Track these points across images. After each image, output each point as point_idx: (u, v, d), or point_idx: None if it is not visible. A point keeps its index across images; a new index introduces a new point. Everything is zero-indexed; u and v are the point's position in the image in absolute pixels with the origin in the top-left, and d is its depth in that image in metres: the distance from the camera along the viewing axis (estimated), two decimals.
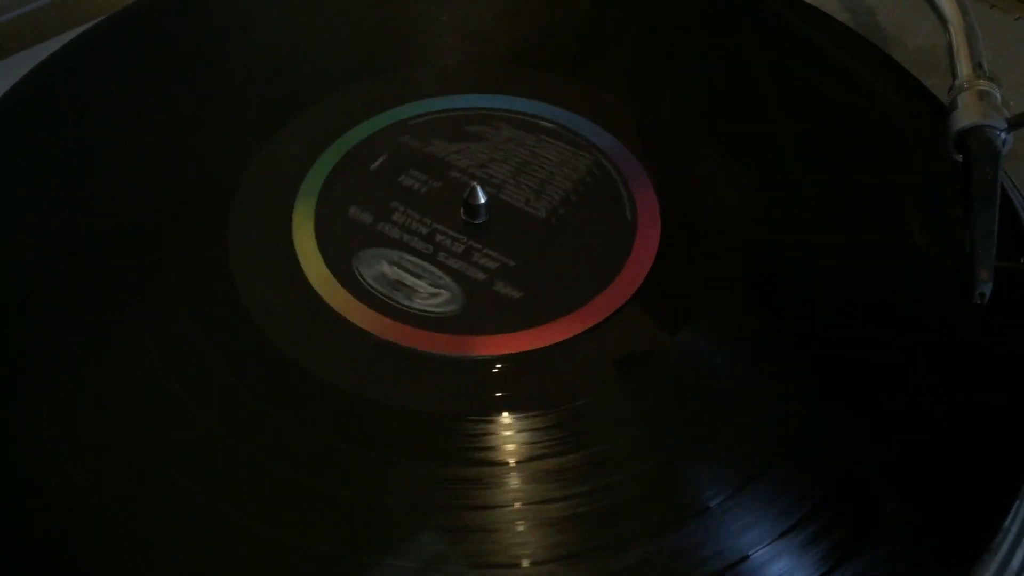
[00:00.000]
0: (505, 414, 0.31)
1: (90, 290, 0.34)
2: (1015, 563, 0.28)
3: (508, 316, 0.33)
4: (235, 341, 0.32)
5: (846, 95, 0.41)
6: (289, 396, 0.31)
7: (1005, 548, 0.28)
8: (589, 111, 0.40)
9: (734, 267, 0.35)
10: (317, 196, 0.37)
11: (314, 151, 0.38)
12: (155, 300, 0.33)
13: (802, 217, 0.37)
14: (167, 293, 0.34)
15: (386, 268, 0.34)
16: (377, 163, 0.38)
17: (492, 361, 0.32)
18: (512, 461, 0.30)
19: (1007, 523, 0.28)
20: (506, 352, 0.32)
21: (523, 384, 0.32)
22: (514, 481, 0.29)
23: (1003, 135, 0.36)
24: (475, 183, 0.36)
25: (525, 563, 0.28)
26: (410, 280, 0.34)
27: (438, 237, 0.36)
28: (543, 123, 0.39)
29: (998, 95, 0.37)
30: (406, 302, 0.33)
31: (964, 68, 0.38)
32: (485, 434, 0.30)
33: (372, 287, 0.34)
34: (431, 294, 0.33)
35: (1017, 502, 0.29)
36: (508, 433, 0.30)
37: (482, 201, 0.36)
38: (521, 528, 0.28)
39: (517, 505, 0.29)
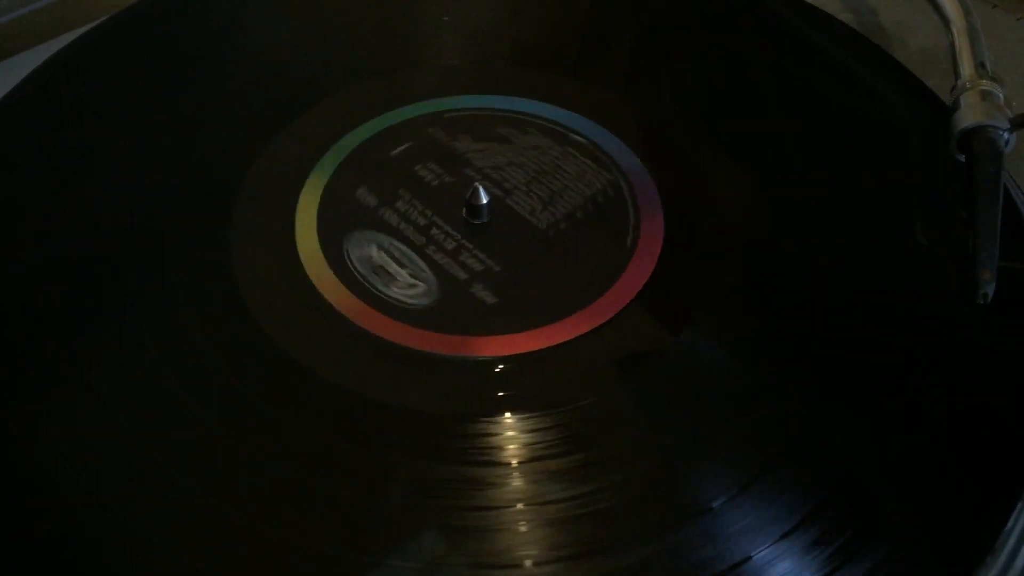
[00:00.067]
0: (507, 414, 0.31)
1: (91, 290, 0.34)
2: (1018, 564, 0.28)
3: (486, 318, 0.33)
4: (236, 341, 0.32)
5: (849, 96, 0.41)
6: (290, 396, 0.31)
7: (1008, 549, 0.28)
8: (621, 130, 0.39)
9: (736, 268, 0.35)
10: (330, 174, 0.37)
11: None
12: (156, 300, 0.33)
13: (804, 217, 0.37)
14: (168, 293, 0.34)
15: (374, 252, 0.34)
16: (399, 149, 0.38)
17: (494, 362, 0.32)
18: (514, 462, 0.30)
19: (1010, 524, 0.28)
20: (508, 353, 0.32)
21: (525, 385, 0.32)
22: (516, 482, 0.29)
23: (1006, 135, 0.36)
24: (478, 183, 0.36)
25: (527, 563, 0.28)
26: (392, 267, 0.34)
27: (433, 231, 0.36)
28: (573, 136, 0.38)
29: (1001, 95, 0.37)
30: (382, 288, 0.34)
31: (967, 68, 0.38)
32: (487, 435, 0.30)
33: (354, 267, 0.34)
34: (409, 284, 0.34)
35: (1020, 503, 0.29)
36: (510, 434, 0.30)
37: (484, 202, 0.36)
38: (523, 529, 0.28)
39: (519, 506, 0.29)
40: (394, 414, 0.31)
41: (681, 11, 0.45)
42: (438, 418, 0.31)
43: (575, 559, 0.28)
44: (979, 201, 0.34)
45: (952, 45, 0.39)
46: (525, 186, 0.37)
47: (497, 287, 0.34)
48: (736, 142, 0.39)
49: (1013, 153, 0.36)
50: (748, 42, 0.43)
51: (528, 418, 0.30)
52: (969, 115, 0.36)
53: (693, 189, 0.38)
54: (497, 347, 0.32)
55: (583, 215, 0.36)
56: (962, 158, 0.36)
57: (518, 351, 0.32)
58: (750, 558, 0.28)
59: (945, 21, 0.40)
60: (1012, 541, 0.28)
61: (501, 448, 0.30)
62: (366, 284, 0.34)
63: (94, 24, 0.43)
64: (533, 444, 0.30)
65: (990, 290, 0.32)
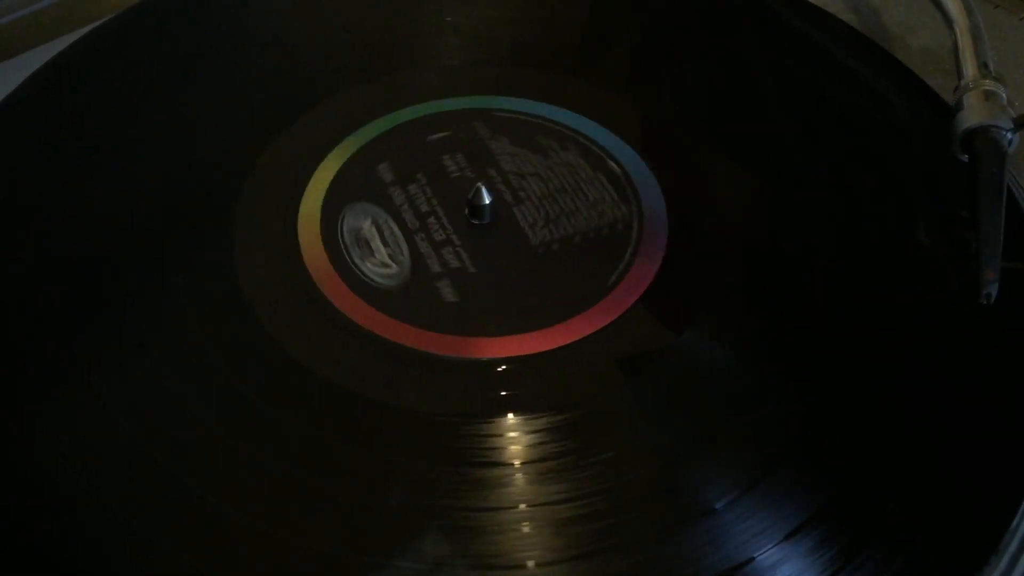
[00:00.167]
0: (510, 415, 0.30)
1: (93, 290, 0.34)
2: (1022, 564, 0.28)
3: (439, 315, 0.33)
4: (237, 341, 0.32)
5: (851, 96, 0.41)
6: (291, 396, 0.31)
7: (1012, 549, 0.28)
8: (660, 164, 0.38)
9: (739, 268, 0.35)
10: (355, 150, 0.38)
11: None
12: (157, 300, 0.33)
13: (807, 218, 0.37)
14: (169, 293, 0.33)
15: (365, 225, 0.35)
16: (437, 136, 0.38)
17: (497, 363, 0.32)
18: (517, 463, 0.30)
19: (1014, 524, 0.28)
20: (511, 354, 0.32)
21: (528, 386, 0.31)
22: (519, 482, 0.29)
23: (1009, 135, 0.36)
24: (481, 184, 0.36)
25: (529, 564, 0.27)
26: (376, 243, 0.34)
27: (431, 219, 0.36)
28: (610, 163, 0.38)
29: (1004, 95, 0.37)
30: (357, 260, 0.34)
31: (970, 68, 0.38)
32: (489, 435, 0.30)
33: (342, 235, 0.35)
34: (383, 264, 0.34)
35: None
36: (513, 435, 0.30)
37: (485, 203, 0.36)
38: (527, 530, 0.28)
39: (522, 507, 0.29)
40: (395, 414, 0.31)
41: (684, 12, 0.45)
42: (440, 419, 0.31)
43: (579, 560, 0.28)
44: (982, 201, 0.34)
45: (955, 45, 0.39)
46: (538, 199, 0.37)
47: (462, 288, 0.34)
48: (740, 142, 0.39)
49: (1016, 153, 0.36)
50: (750, 43, 0.43)
51: (530, 419, 0.30)
52: (972, 115, 0.36)
53: (696, 190, 0.38)
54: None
55: (580, 241, 0.35)
56: (965, 158, 0.36)
57: (521, 353, 0.32)
58: (753, 559, 0.27)
59: (948, 21, 0.40)
60: (1016, 541, 0.28)
61: (503, 449, 0.30)
62: (344, 253, 0.34)
63: (96, 24, 0.43)
64: (535, 445, 0.30)
65: (993, 290, 0.32)
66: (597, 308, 0.33)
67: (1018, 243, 0.34)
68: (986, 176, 0.34)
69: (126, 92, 0.40)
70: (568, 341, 0.32)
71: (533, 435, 0.30)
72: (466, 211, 0.36)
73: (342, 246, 0.34)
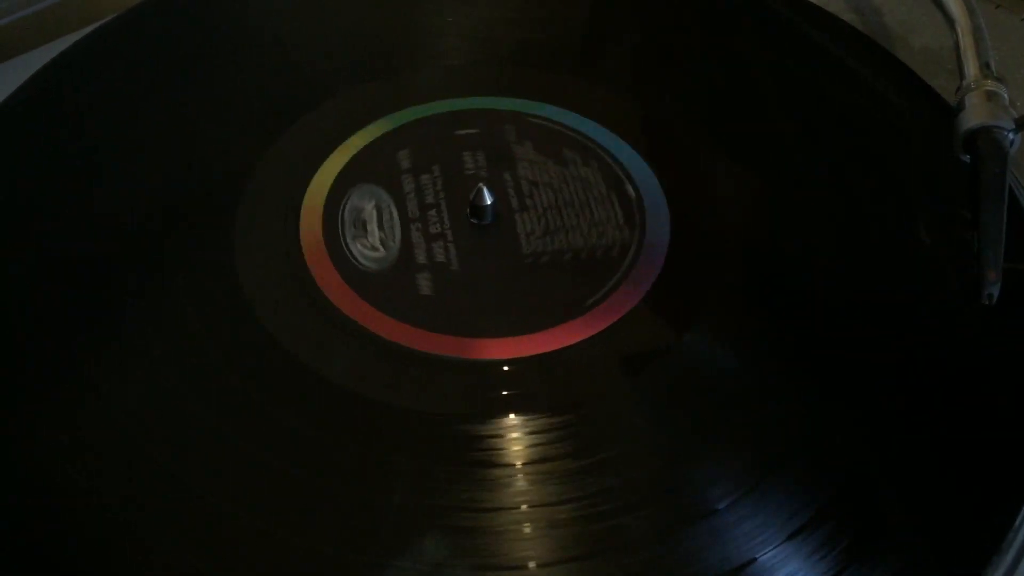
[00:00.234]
0: (511, 416, 0.30)
1: (94, 290, 0.34)
2: None
3: (424, 307, 0.33)
4: (238, 341, 0.32)
5: (852, 96, 0.41)
6: (292, 396, 0.31)
7: (1014, 550, 0.28)
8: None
9: (741, 269, 0.35)
10: (381, 134, 0.38)
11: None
12: (158, 300, 0.33)
13: (810, 218, 0.37)
14: (170, 293, 0.33)
15: (368, 207, 0.35)
16: (465, 132, 0.38)
17: (499, 363, 0.32)
18: (518, 463, 0.30)
19: (1016, 524, 0.28)
20: (513, 356, 0.32)
21: (529, 386, 0.31)
22: (520, 483, 0.29)
23: (1011, 135, 0.36)
24: (482, 184, 0.36)
25: (531, 565, 0.27)
26: (371, 226, 0.35)
27: (431, 212, 0.36)
28: (628, 186, 0.37)
29: (1005, 95, 0.37)
30: (348, 239, 0.34)
31: (971, 68, 0.38)
32: (490, 436, 0.30)
33: (343, 212, 0.35)
34: (372, 247, 0.34)
35: None
36: (515, 435, 0.30)
37: (486, 204, 0.36)
38: (527, 530, 0.28)
39: (523, 507, 0.28)
40: (396, 414, 0.31)
41: (686, 13, 0.45)
42: (443, 419, 0.30)
43: (580, 561, 0.27)
44: (984, 202, 0.34)
45: (956, 45, 0.39)
46: (543, 209, 0.36)
47: (440, 284, 0.34)
48: (741, 143, 0.39)
49: (1017, 154, 0.36)
50: (751, 42, 0.43)
51: (533, 420, 0.30)
52: (974, 115, 0.36)
53: (698, 190, 0.38)
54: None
55: (571, 259, 0.35)
56: (966, 159, 0.36)
57: (523, 354, 0.32)
58: (755, 560, 0.27)
59: (949, 21, 0.40)
60: (1018, 542, 0.28)
61: (505, 449, 0.30)
62: (339, 230, 0.34)
63: (97, 25, 0.43)
64: (538, 446, 0.30)
65: (995, 290, 0.32)
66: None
67: (1020, 244, 0.34)
68: (988, 177, 0.34)
69: (127, 92, 0.40)
70: (570, 342, 0.32)
71: (534, 435, 0.30)
72: (468, 210, 0.36)
73: (339, 222, 0.34)
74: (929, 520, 0.29)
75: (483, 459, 0.30)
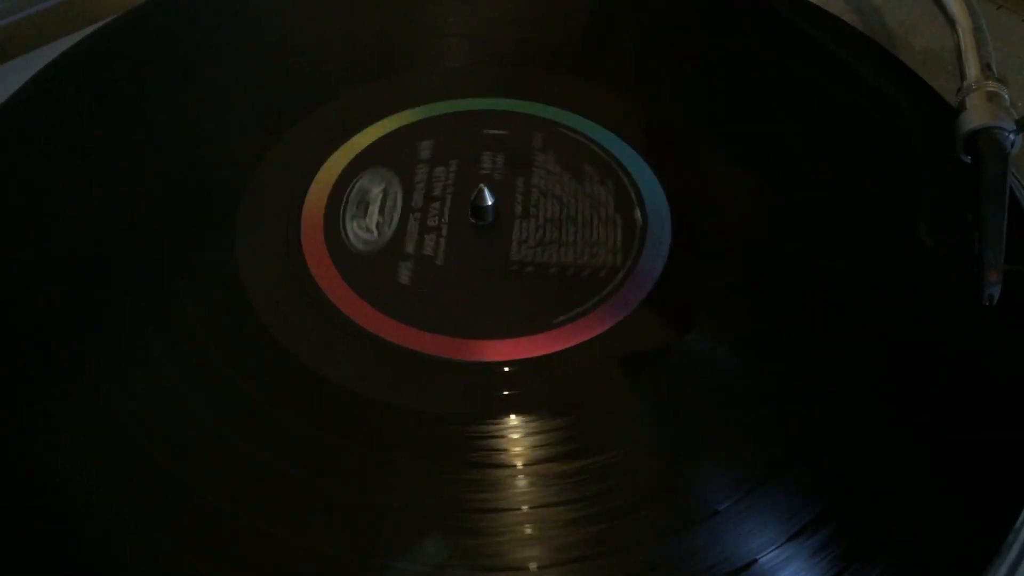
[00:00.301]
0: (512, 417, 0.30)
1: (95, 289, 0.34)
2: None
3: (400, 295, 0.33)
4: (239, 342, 0.32)
5: (853, 97, 0.41)
6: (293, 397, 0.31)
7: (1015, 551, 0.28)
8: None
9: (743, 270, 0.35)
10: (412, 122, 0.38)
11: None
12: (159, 300, 0.33)
13: (811, 219, 0.37)
14: (171, 293, 0.33)
15: (375, 189, 0.36)
16: (492, 132, 0.38)
17: (500, 364, 0.32)
18: (519, 464, 0.29)
19: (1017, 525, 0.28)
20: (514, 357, 0.32)
21: (531, 387, 0.31)
22: (521, 484, 0.29)
23: (1012, 136, 0.35)
24: (483, 185, 0.36)
25: (532, 566, 0.27)
26: (372, 209, 0.35)
27: (434, 205, 0.36)
28: (637, 211, 0.36)
29: (1007, 96, 0.37)
30: (347, 218, 0.35)
31: (972, 69, 0.38)
32: (491, 436, 0.30)
33: (350, 190, 0.36)
34: (366, 229, 0.34)
35: None
36: (516, 436, 0.30)
37: (485, 205, 0.36)
38: (528, 531, 0.28)
39: (524, 508, 0.28)
40: (396, 415, 0.31)
41: (688, 13, 0.45)
42: (444, 420, 0.30)
43: (581, 562, 0.27)
44: (985, 203, 0.34)
45: (958, 46, 0.39)
46: (544, 220, 0.36)
47: (420, 276, 0.34)
48: (743, 143, 0.39)
49: (1018, 154, 0.36)
50: (752, 43, 0.43)
51: (534, 421, 0.30)
52: (975, 116, 0.36)
53: (699, 190, 0.38)
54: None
55: (556, 273, 0.35)
56: (967, 159, 0.36)
57: (524, 355, 0.32)
58: (756, 561, 0.27)
59: (951, 22, 0.39)
60: (1019, 543, 0.28)
61: (506, 450, 0.30)
62: (340, 208, 0.35)
63: (98, 25, 0.43)
64: (539, 447, 0.30)
65: (996, 291, 0.32)
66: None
67: (1020, 245, 0.34)
68: (988, 177, 0.34)
69: (128, 93, 0.40)
70: (572, 343, 0.32)
71: (535, 436, 0.30)
72: (468, 208, 0.36)
73: (344, 199, 0.34)
74: (929, 520, 0.29)
75: (483, 460, 0.29)
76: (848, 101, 0.41)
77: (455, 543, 0.28)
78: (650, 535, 0.28)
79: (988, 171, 0.35)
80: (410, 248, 0.35)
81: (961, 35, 0.39)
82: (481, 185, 0.36)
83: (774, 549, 0.28)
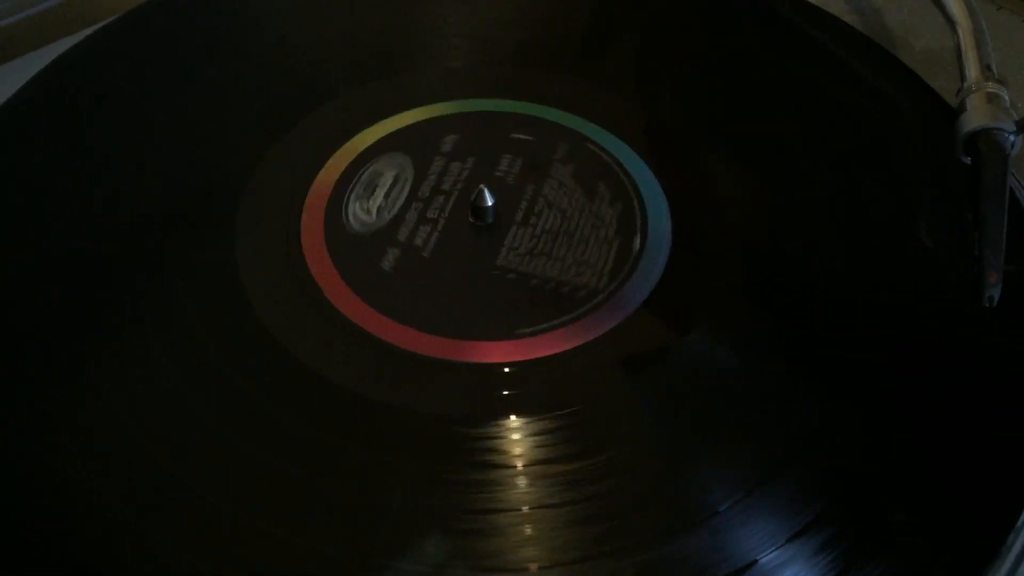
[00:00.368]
0: (512, 417, 0.30)
1: (93, 290, 0.34)
2: None
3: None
4: (240, 342, 0.32)
5: (853, 97, 0.41)
6: (293, 397, 0.31)
7: (1015, 551, 0.28)
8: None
9: (742, 271, 0.35)
10: (446, 114, 0.39)
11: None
12: (160, 300, 0.33)
13: (810, 220, 0.37)
14: (170, 293, 0.33)
15: (387, 174, 0.36)
16: (519, 135, 0.38)
17: (500, 365, 0.32)
18: (519, 465, 0.29)
19: (1018, 525, 0.28)
20: (514, 359, 0.32)
21: (531, 388, 0.31)
22: (521, 484, 0.29)
23: (1012, 138, 0.35)
24: (483, 186, 0.36)
25: (532, 567, 0.27)
26: (378, 192, 0.35)
27: (440, 198, 0.36)
28: (637, 238, 0.35)
29: (1007, 97, 0.37)
30: (352, 198, 0.36)
31: (972, 70, 0.38)
32: (492, 437, 0.30)
33: (361, 173, 0.36)
34: (366, 211, 0.35)
35: None
36: (516, 436, 0.30)
37: (484, 206, 0.36)
38: (528, 532, 0.28)
39: (524, 508, 0.28)
40: (397, 415, 0.31)
41: (688, 13, 0.45)
42: (444, 421, 0.30)
43: (581, 563, 0.27)
44: (985, 204, 0.34)
45: (958, 47, 0.39)
46: (541, 231, 0.36)
47: (403, 265, 0.34)
48: (742, 143, 0.39)
49: (1018, 155, 0.36)
50: (752, 44, 0.43)
51: (534, 421, 0.30)
52: (975, 117, 0.36)
53: (699, 190, 0.38)
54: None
55: (536, 284, 0.34)
56: (967, 160, 0.36)
57: (524, 356, 0.32)
58: (756, 562, 0.27)
59: (951, 23, 0.39)
60: (1020, 543, 0.28)
61: (506, 451, 0.30)
62: (349, 186, 0.35)
63: (98, 26, 0.43)
64: (539, 447, 0.30)
65: (996, 292, 0.32)
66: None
67: (1020, 245, 0.34)
68: (988, 178, 0.34)
69: (129, 93, 0.40)
70: (573, 344, 0.32)
71: (535, 437, 0.30)
72: (469, 208, 0.36)
73: (355, 179, 0.35)
74: (929, 520, 0.29)
75: (483, 460, 0.29)
76: (848, 101, 0.41)
77: (455, 543, 0.28)
78: (650, 535, 0.28)
79: (988, 172, 0.35)
80: (402, 236, 0.35)
81: (961, 36, 0.39)
82: (482, 186, 0.36)
83: (774, 549, 0.28)
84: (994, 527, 0.28)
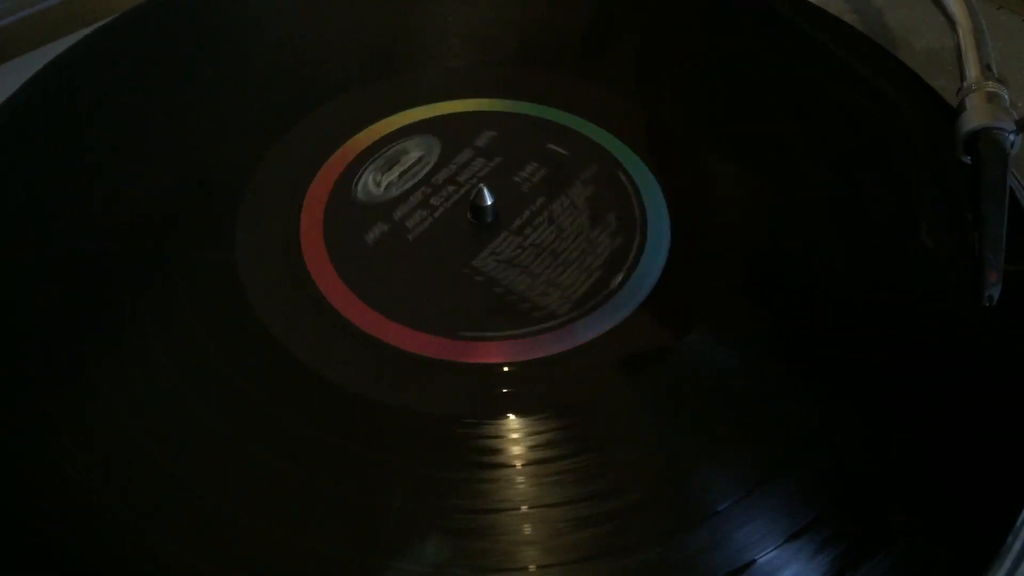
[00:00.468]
0: (512, 417, 0.30)
1: (93, 290, 0.34)
2: None
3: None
4: (240, 342, 0.32)
5: (853, 97, 0.41)
6: (293, 397, 0.31)
7: (1014, 550, 0.28)
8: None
9: (742, 270, 0.35)
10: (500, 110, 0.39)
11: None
12: (158, 300, 0.33)
13: (809, 220, 0.37)
14: (172, 293, 0.33)
15: (413, 154, 0.37)
16: (555, 148, 0.38)
17: (500, 365, 0.32)
18: (519, 464, 0.29)
19: (1017, 525, 0.28)
20: (514, 359, 0.32)
21: (530, 388, 0.31)
22: (520, 484, 0.29)
23: (1012, 137, 0.35)
24: (483, 186, 0.36)
25: (532, 567, 0.27)
26: (396, 169, 0.36)
27: (449, 188, 0.37)
28: (619, 276, 0.34)
29: (1006, 97, 0.37)
30: (370, 166, 0.36)
31: (972, 70, 0.38)
32: (491, 437, 0.30)
33: (389, 148, 0.37)
34: (377, 183, 0.36)
35: None
36: (515, 436, 0.30)
37: (483, 205, 0.36)
38: (528, 532, 0.28)
39: (524, 508, 0.28)
40: (397, 415, 0.31)
41: (689, 13, 0.45)
42: (444, 421, 0.30)
43: (580, 563, 0.27)
44: (985, 203, 0.34)
45: (958, 46, 0.39)
46: (528, 244, 0.35)
47: (384, 243, 0.35)
48: (742, 144, 0.39)
49: (1018, 155, 0.36)
50: (752, 44, 0.43)
51: (534, 421, 0.30)
52: (975, 117, 0.36)
53: (699, 192, 0.38)
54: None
55: (501, 294, 0.34)
56: (967, 160, 0.36)
57: (524, 357, 0.32)
58: (755, 562, 0.27)
59: (951, 22, 0.40)
60: (1019, 543, 0.28)
61: (505, 451, 0.30)
62: (370, 157, 0.36)
63: (98, 25, 0.43)
64: (538, 446, 0.30)
65: (995, 292, 0.32)
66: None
67: (1020, 245, 0.34)
68: (988, 178, 0.34)
69: (128, 93, 0.40)
70: (573, 345, 0.32)
71: (535, 436, 0.30)
72: (469, 207, 0.36)
73: (380, 152, 0.36)
74: (929, 520, 0.29)
75: (483, 460, 0.29)
76: (848, 101, 0.41)
77: (455, 543, 0.28)
78: (650, 535, 0.28)
79: (988, 172, 0.35)
80: (397, 215, 0.35)
81: (961, 35, 0.39)
82: (481, 184, 0.36)
83: (774, 549, 0.28)
84: (994, 527, 0.28)
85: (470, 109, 0.40)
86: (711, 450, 0.30)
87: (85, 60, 0.41)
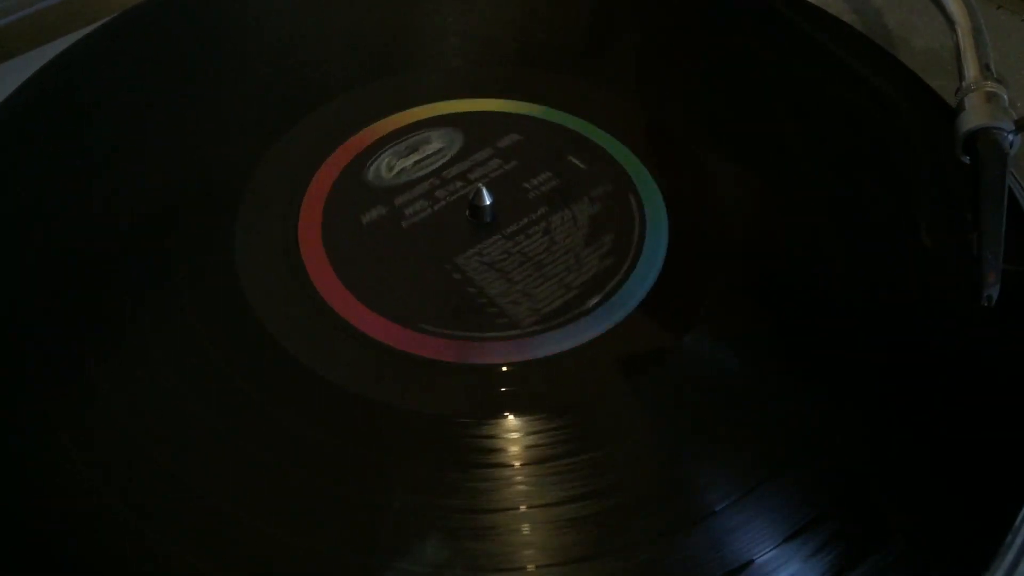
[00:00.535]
0: (511, 417, 0.30)
1: (94, 290, 0.34)
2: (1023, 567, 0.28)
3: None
4: (240, 342, 0.32)
5: (853, 97, 0.41)
6: (293, 397, 0.31)
7: (1014, 550, 0.28)
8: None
9: (741, 270, 0.35)
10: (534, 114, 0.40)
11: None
12: (158, 300, 0.33)
13: (809, 220, 0.37)
14: (172, 293, 0.33)
15: (434, 144, 0.37)
16: (573, 161, 0.38)
17: (499, 365, 0.32)
18: (517, 464, 0.29)
19: (1017, 524, 0.28)
20: (514, 359, 0.32)
21: (530, 388, 0.31)
22: (519, 484, 0.29)
23: (1011, 137, 0.36)
24: (482, 186, 0.36)
25: (531, 567, 0.27)
26: (413, 156, 0.37)
27: (456, 183, 0.37)
28: (595, 299, 0.34)
29: (1005, 97, 0.37)
30: (389, 150, 0.37)
31: (971, 69, 0.38)
32: (491, 436, 0.30)
33: (413, 136, 0.38)
34: (390, 168, 0.36)
35: None
36: (516, 436, 0.30)
37: (483, 205, 0.36)
38: (527, 532, 0.28)
39: (523, 508, 0.28)
40: (396, 415, 0.31)
41: (688, 13, 0.45)
42: (443, 421, 0.30)
43: (579, 562, 0.27)
44: (984, 203, 0.34)
45: (957, 46, 0.39)
46: (517, 251, 0.35)
47: (377, 226, 0.36)
48: (741, 144, 0.39)
49: (1017, 155, 0.36)
50: (752, 44, 0.43)
51: (533, 421, 0.30)
52: (974, 117, 0.36)
53: (698, 192, 0.38)
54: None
55: (474, 296, 0.34)
56: (967, 160, 0.36)
57: (524, 357, 0.32)
58: (753, 562, 0.27)
59: (950, 22, 0.40)
60: (1018, 543, 0.28)
61: (505, 451, 0.30)
62: (392, 138, 0.37)
63: (98, 25, 0.43)
64: (538, 446, 0.30)
65: (994, 292, 0.32)
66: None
67: (1020, 245, 0.34)
68: (988, 178, 0.34)
69: (128, 92, 0.40)
70: (572, 345, 0.32)
71: (534, 436, 0.30)
72: (469, 207, 0.36)
73: (403, 137, 0.36)
74: (929, 520, 0.29)
75: (483, 460, 0.30)
76: (848, 101, 0.41)
77: (455, 543, 0.28)
78: (649, 535, 0.28)
79: (987, 172, 0.35)
80: (399, 201, 0.36)
81: (960, 35, 0.39)
82: (480, 185, 0.36)
83: (771, 550, 0.28)
84: (994, 527, 0.28)
85: (504, 110, 0.40)
86: (710, 450, 0.30)
87: (85, 60, 0.41)
